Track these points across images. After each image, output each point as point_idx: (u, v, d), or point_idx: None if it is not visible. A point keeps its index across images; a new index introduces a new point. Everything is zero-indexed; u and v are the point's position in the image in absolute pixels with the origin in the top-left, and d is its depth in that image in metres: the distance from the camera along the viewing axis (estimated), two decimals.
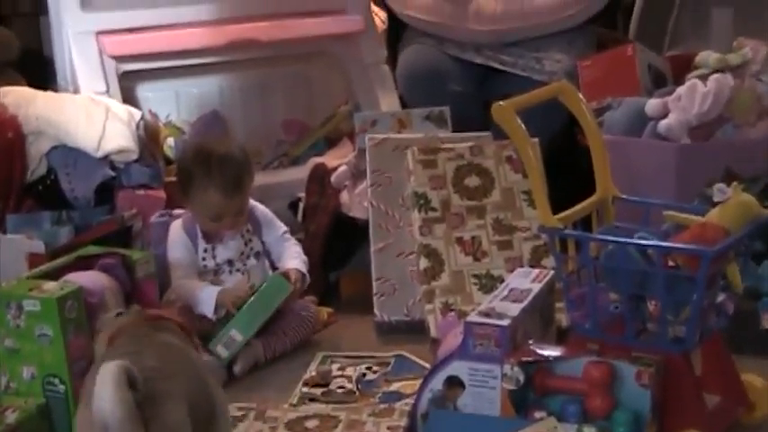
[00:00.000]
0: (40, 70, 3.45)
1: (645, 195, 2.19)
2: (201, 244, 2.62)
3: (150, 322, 1.89)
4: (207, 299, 2.53)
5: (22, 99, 2.85)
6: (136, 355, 1.68)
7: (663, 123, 2.74)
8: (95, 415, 1.56)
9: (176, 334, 1.88)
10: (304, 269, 2.65)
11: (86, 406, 1.62)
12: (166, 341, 1.82)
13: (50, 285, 2.21)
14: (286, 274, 2.58)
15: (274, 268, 2.65)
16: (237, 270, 2.62)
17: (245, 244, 2.64)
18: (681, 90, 2.75)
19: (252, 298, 2.51)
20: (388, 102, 3.41)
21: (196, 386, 1.74)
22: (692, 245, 1.90)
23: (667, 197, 2.40)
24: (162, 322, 1.90)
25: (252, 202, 2.67)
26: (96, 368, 1.65)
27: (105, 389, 1.55)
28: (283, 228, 2.72)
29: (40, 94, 2.92)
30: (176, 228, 2.65)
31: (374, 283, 2.75)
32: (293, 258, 2.66)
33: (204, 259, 2.62)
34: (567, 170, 2.86)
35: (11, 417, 2.14)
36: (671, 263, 1.92)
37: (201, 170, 2.55)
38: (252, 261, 2.63)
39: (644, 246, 1.94)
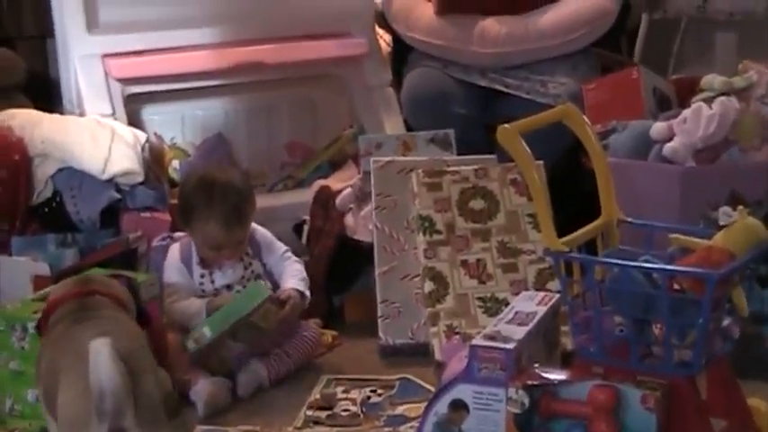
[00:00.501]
0: (46, 93, 3.46)
1: (650, 218, 2.18)
2: (197, 269, 2.62)
3: (88, 297, 2.01)
4: (197, 312, 2.53)
5: (28, 122, 2.86)
6: (111, 335, 1.79)
7: (668, 146, 2.74)
8: (93, 385, 1.70)
9: (115, 309, 2.04)
10: (303, 287, 2.63)
11: (74, 380, 1.76)
12: (120, 319, 2.00)
13: None
14: (279, 294, 2.57)
15: (276, 289, 2.65)
16: (237, 293, 2.61)
17: (245, 268, 2.63)
18: (686, 113, 2.75)
19: (232, 299, 2.53)
20: (393, 124, 3.42)
21: (152, 362, 1.92)
22: (698, 268, 1.89)
23: (672, 220, 2.39)
24: (98, 297, 2.03)
25: (252, 225, 2.67)
26: (54, 344, 1.89)
27: (103, 361, 1.70)
28: (283, 248, 2.71)
29: (46, 116, 2.93)
30: (173, 252, 2.65)
31: (379, 306, 2.74)
32: (292, 277, 2.65)
33: (202, 284, 2.61)
34: (572, 193, 2.87)
35: None
36: (676, 286, 1.91)
37: (203, 201, 2.55)
38: (251, 284, 2.63)
39: (649, 269, 1.93)
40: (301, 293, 2.62)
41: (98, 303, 2.02)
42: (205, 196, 2.56)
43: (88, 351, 1.73)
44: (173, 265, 2.63)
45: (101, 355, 1.71)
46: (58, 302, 2.02)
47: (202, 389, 2.41)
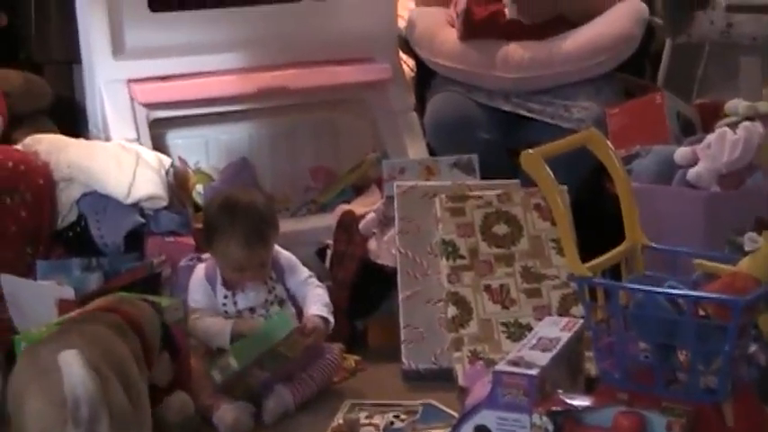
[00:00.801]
0: (71, 118, 3.48)
1: (674, 244, 2.18)
2: (221, 290, 2.62)
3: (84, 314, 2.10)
4: (222, 331, 2.54)
5: (54, 146, 2.88)
6: (77, 347, 1.85)
7: (692, 171, 2.73)
8: (68, 394, 1.75)
9: (110, 326, 2.08)
10: (326, 313, 2.63)
11: (41, 392, 1.81)
12: (94, 333, 2.02)
13: None
14: (304, 323, 2.58)
15: (300, 314, 2.65)
16: (261, 317, 2.61)
17: (269, 291, 2.64)
18: (710, 138, 2.74)
19: (257, 328, 2.53)
20: (416, 149, 3.42)
21: (124, 376, 1.95)
22: (723, 294, 1.88)
23: (697, 246, 2.38)
24: (97, 314, 2.10)
25: (276, 248, 2.67)
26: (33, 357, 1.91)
27: (74, 369, 1.75)
28: (307, 272, 2.72)
29: (71, 141, 2.95)
30: (198, 272, 2.66)
31: (402, 331, 2.74)
32: (314, 303, 2.65)
33: (225, 305, 2.62)
34: (596, 218, 2.86)
35: None
36: (701, 312, 1.91)
37: (225, 222, 2.57)
38: (275, 308, 2.63)
39: (674, 295, 1.92)
40: (325, 319, 2.62)
41: (79, 324, 2.09)
42: (228, 217, 2.57)
43: (49, 365, 1.80)
44: (197, 283, 2.64)
45: (72, 365, 1.76)
46: None
47: (225, 414, 2.41)
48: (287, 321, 2.53)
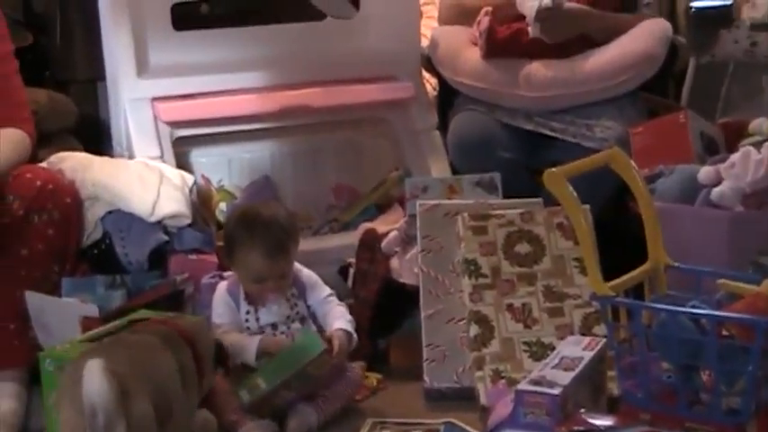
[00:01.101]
0: (96, 135, 3.51)
1: (697, 264, 2.17)
2: (244, 305, 2.63)
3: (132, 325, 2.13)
4: (249, 347, 2.54)
5: (79, 164, 2.90)
6: (108, 357, 1.91)
7: (716, 191, 2.72)
8: (85, 401, 1.79)
9: (160, 336, 2.12)
10: (350, 328, 2.64)
11: (71, 402, 1.84)
12: (137, 343, 2.07)
13: None
14: (329, 337, 2.57)
15: (321, 331, 2.65)
16: (282, 333, 2.62)
17: (291, 308, 2.64)
18: (734, 157, 2.74)
19: (284, 347, 2.52)
20: (439, 168, 3.42)
21: (157, 387, 1.98)
22: (747, 315, 1.88)
23: (720, 266, 2.37)
24: (149, 325, 2.15)
25: (297, 265, 2.68)
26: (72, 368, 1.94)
27: (94, 378, 1.80)
28: (328, 290, 2.72)
29: (96, 159, 2.97)
30: (221, 288, 2.67)
31: (424, 350, 2.74)
32: (338, 319, 2.65)
33: (247, 321, 2.62)
34: (619, 238, 2.85)
35: None
36: (725, 332, 1.90)
37: (245, 232, 2.58)
38: (297, 325, 2.63)
39: (697, 315, 1.92)
40: (349, 334, 2.62)
41: (129, 335, 2.14)
42: (248, 228, 2.58)
43: (81, 375, 1.83)
44: (220, 299, 2.65)
45: (92, 373, 1.80)
46: None
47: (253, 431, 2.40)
48: (316, 341, 2.53)
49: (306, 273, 2.71)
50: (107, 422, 1.78)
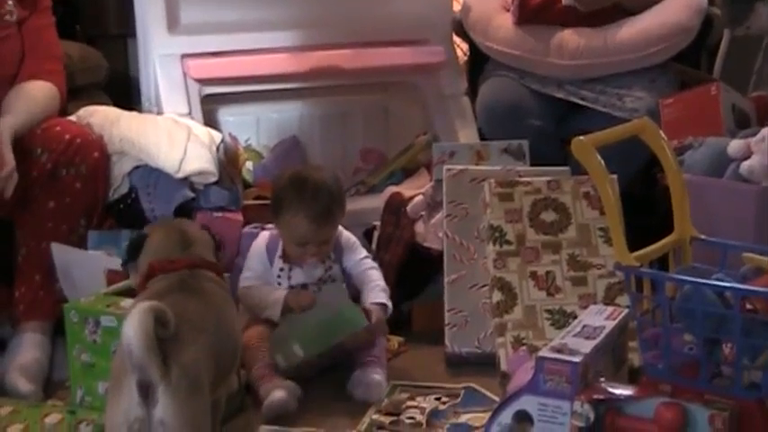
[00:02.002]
0: (125, 91, 3.52)
1: (724, 237, 2.15)
2: (278, 263, 2.64)
3: (192, 268, 2.13)
4: (274, 303, 2.57)
5: (107, 119, 2.91)
6: (179, 304, 1.95)
7: (745, 165, 2.70)
8: (122, 339, 1.81)
9: (218, 284, 2.15)
10: (385, 299, 2.65)
11: (120, 344, 1.86)
12: (208, 294, 2.08)
13: (127, 302, 2.25)
14: (367, 312, 2.58)
15: (354, 293, 2.66)
16: (313, 293, 2.63)
17: (325, 271, 2.65)
18: (765, 132, 2.71)
19: (323, 319, 2.52)
20: (467, 134, 3.42)
21: (224, 342, 2.02)
22: None
23: (747, 240, 2.36)
24: (203, 271, 2.13)
25: (343, 233, 2.69)
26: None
27: (131, 320, 1.80)
28: (364, 252, 2.74)
29: (124, 114, 2.98)
30: (260, 240, 2.69)
31: (446, 315, 2.74)
32: (373, 290, 2.66)
33: (279, 277, 2.64)
34: (646, 209, 2.84)
35: (85, 430, 2.18)
36: (749, 306, 1.89)
37: (294, 195, 2.59)
38: (327, 286, 2.64)
39: (721, 288, 1.91)
40: (385, 307, 2.63)
41: (202, 275, 2.14)
42: (298, 191, 2.59)
43: None
44: (257, 251, 2.68)
45: (133, 314, 1.81)
46: (158, 270, 2.14)
47: (273, 392, 2.41)
48: (358, 318, 2.54)
49: (345, 235, 2.72)
50: (139, 362, 1.80)
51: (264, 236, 2.70)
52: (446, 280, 2.78)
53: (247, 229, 2.81)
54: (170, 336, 1.85)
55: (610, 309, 2.19)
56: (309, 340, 2.48)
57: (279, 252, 2.65)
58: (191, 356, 1.89)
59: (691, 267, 2.07)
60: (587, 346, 1.98)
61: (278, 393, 2.40)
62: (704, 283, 1.92)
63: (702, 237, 2.13)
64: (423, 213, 2.98)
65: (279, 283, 2.63)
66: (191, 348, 1.89)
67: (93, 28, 3.72)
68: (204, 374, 1.91)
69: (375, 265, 2.73)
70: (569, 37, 3.27)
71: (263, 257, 2.66)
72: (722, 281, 1.94)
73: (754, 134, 2.75)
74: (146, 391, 1.83)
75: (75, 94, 3.14)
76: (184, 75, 3.21)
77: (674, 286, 1.99)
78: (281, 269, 2.64)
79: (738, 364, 1.90)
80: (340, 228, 2.69)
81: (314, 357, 2.50)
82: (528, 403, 1.95)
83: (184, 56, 3.22)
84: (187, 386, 1.86)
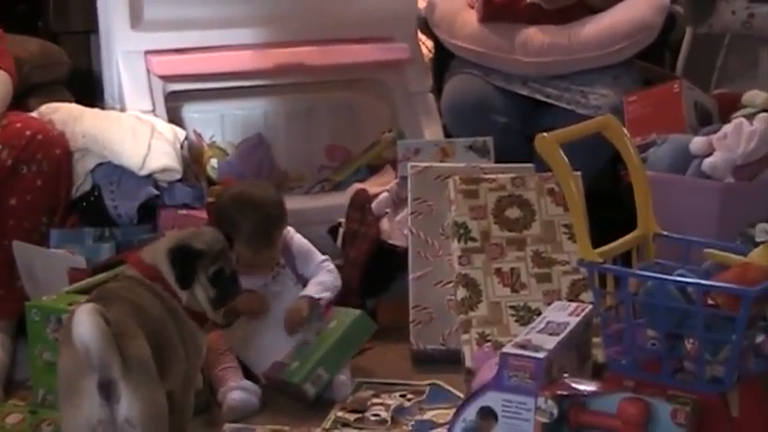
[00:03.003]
0: (88, 87, 3.49)
1: (687, 233, 2.17)
2: None
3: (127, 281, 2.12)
4: None
5: (70, 116, 2.89)
6: (107, 303, 1.94)
7: (707, 162, 2.72)
8: (77, 342, 1.81)
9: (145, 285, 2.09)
10: (316, 293, 2.63)
11: (66, 345, 1.88)
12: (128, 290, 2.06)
13: None
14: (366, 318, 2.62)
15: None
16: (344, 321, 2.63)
17: (273, 278, 2.64)
18: (727, 128, 2.73)
19: (338, 336, 2.55)
20: (432, 131, 3.42)
21: (153, 330, 1.98)
22: (733, 284, 1.88)
23: (710, 236, 2.37)
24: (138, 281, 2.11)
25: (290, 232, 2.67)
26: (68, 318, 1.93)
27: (83, 318, 1.81)
28: (321, 257, 2.72)
29: (86, 111, 2.96)
30: None
31: (411, 311, 2.75)
32: (310, 285, 2.66)
33: None
34: (610, 206, 2.85)
35: (47, 430, 2.16)
36: (711, 302, 1.90)
37: (234, 220, 2.57)
38: (274, 288, 2.64)
39: (684, 283, 1.92)
40: (310, 299, 2.62)
41: (116, 284, 2.13)
42: (237, 213, 2.57)
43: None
44: None
45: (82, 316, 1.81)
46: None
47: (229, 394, 2.40)
48: (368, 324, 2.59)
49: (297, 244, 2.70)
50: (100, 360, 1.80)
51: None
52: (411, 277, 2.78)
53: None
54: (113, 331, 1.85)
55: (574, 305, 2.20)
56: (332, 362, 2.49)
57: None
58: (141, 349, 1.90)
59: (654, 263, 2.08)
60: (551, 342, 1.98)
61: (236, 394, 2.39)
62: (667, 279, 1.93)
63: (665, 233, 2.14)
64: (388, 210, 2.98)
65: None
66: (137, 341, 1.90)
67: (55, 23, 3.68)
68: (151, 362, 1.92)
69: (332, 267, 2.72)
70: (534, 34, 3.28)
71: None
72: (685, 277, 1.95)
73: (717, 131, 2.77)
74: (107, 391, 1.82)
75: (37, 90, 3.11)
76: (148, 71, 3.18)
77: (637, 282, 2.00)
78: None
79: (701, 359, 1.91)
80: (291, 232, 2.67)
81: (336, 371, 2.50)
82: (492, 399, 1.95)
83: (148, 52, 3.19)
84: (146, 379, 1.87)
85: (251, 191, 2.64)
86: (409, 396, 2.48)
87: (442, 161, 3.00)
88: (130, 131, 2.87)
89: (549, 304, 2.43)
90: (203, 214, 2.86)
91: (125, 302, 2.01)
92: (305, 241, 2.73)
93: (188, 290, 2.12)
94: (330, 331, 2.57)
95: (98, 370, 1.80)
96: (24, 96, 3.03)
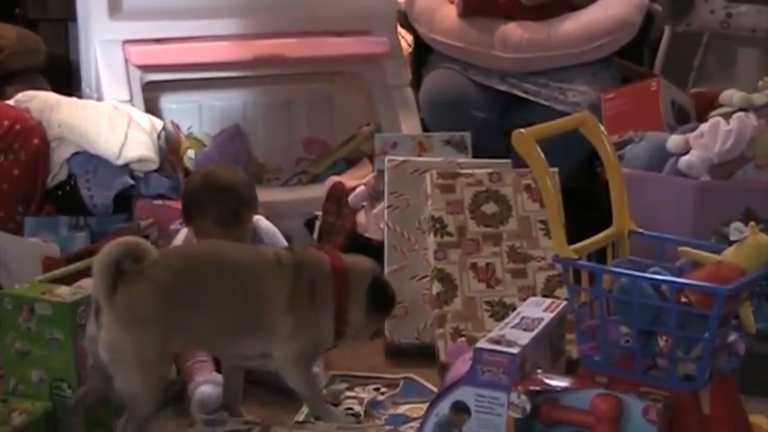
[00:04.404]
0: (65, 76, 3.48)
1: (662, 231, 2.17)
2: None
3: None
4: None
5: (46, 104, 2.88)
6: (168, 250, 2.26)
7: (683, 160, 2.73)
8: None
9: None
10: None
11: None
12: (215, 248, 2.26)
13: (63, 290, 2.22)
14: None
15: None
16: None
17: None
18: (703, 127, 2.74)
19: None
20: (410, 125, 3.42)
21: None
22: (707, 282, 1.89)
23: (685, 234, 2.37)
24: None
25: (258, 219, 2.66)
26: None
27: (109, 245, 2.03)
28: (284, 243, 2.71)
29: (63, 100, 2.94)
30: (178, 240, 2.65)
31: None
32: None
33: None
34: (587, 202, 2.86)
35: (18, 419, 2.15)
36: (684, 299, 1.91)
37: (203, 200, 2.54)
38: None
39: (658, 281, 1.93)
40: None
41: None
42: (203, 198, 2.54)
43: None
44: None
45: (114, 242, 2.03)
46: None
47: (199, 388, 2.39)
48: None
49: (264, 228, 2.68)
50: (94, 284, 2.02)
51: (182, 235, 2.65)
52: (387, 270, 2.77)
53: (174, 225, 2.76)
54: (135, 270, 2.03)
55: (548, 301, 2.20)
56: None
57: None
58: (140, 290, 2.03)
59: (628, 260, 2.09)
60: (525, 338, 1.99)
61: (204, 388, 2.37)
62: (641, 276, 1.94)
63: (640, 230, 2.15)
64: (364, 204, 2.98)
65: None
66: (146, 285, 2.04)
67: (33, 11, 3.67)
68: (152, 312, 2.04)
69: None
70: (513, 30, 3.29)
71: None
72: (659, 274, 1.96)
73: (693, 130, 2.78)
74: (97, 313, 2.03)
75: (13, 77, 3.10)
76: (126, 61, 3.17)
77: (611, 279, 2.00)
78: None
79: (673, 356, 1.92)
80: (259, 219, 2.66)
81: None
82: (465, 394, 1.95)
83: (126, 42, 3.19)
84: (128, 317, 2.02)
85: (219, 172, 2.63)
86: (383, 390, 2.47)
87: (419, 155, 3.00)
88: (107, 121, 2.86)
89: (523, 300, 2.44)
90: (178, 205, 2.84)
91: (207, 255, 2.19)
92: (271, 227, 2.72)
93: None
94: None
95: (93, 292, 2.03)
96: (0, 83, 3.02)
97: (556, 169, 2.39)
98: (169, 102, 3.42)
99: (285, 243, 2.69)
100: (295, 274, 2.21)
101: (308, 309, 2.21)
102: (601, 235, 2.12)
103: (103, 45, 3.17)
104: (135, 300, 2.03)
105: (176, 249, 2.39)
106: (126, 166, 2.83)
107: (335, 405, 2.38)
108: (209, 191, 2.54)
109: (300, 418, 2.33)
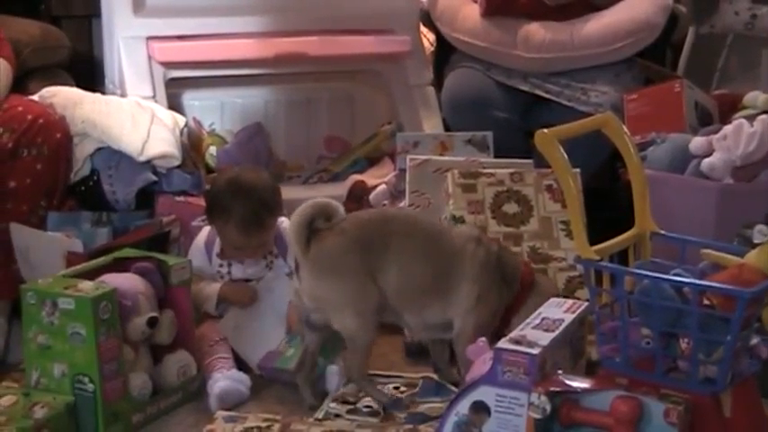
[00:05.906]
0: (89, 72, 3.49)
1: (684, 233, 2.17)
2: (216, 260, 2.63)
3: None
4: (210, 296, 2.56)
5: (69, 101, 2.89)
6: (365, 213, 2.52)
7: (706, 162, 2.72)
8: None
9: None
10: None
11: None
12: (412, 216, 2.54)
13: (86, 285, 2.24)
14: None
15: None
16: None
17: (267, 266, 2.63)
18: (727, 129, 2.73)
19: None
20: (432, 124, 3.41)
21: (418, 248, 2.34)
22: (729, 285, 1.88)
23: (707, 236, 2.37)
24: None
25: (284, 222, 2.66)
26: None
27: (302, 205, 2.31)
28: None
29: (87, 95, 2.95)
30: (200, 238, 2.67)
31: None
32: None
33: (220, 273, 2.63)
34: (608, 203, 2.85)
35: (39, 413, 2.16)
36: (706, 302, 1.90)
37: (226, 203, 2.55)
38: (268, 275, 2.63)
39: (679, 283, 1.92)
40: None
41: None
42: (227, 201, 2.55)
43: None
44: (196, 248, 2.66)
45: (310, 202, 2.34)
46: None
47: (218, 383, 2.40)
48: None
49: None
50: (290, 242, 2.40)
51: (203, 234, 2.66)
52: None
53: (196, 222, 2.76)
54: (327, 227, 2.29)
55: (569, 301, 2.20)
56: (328, 348, 2.47)
57: (216, 249, 2.63)
58: (331, 243, 2.28)
59: (650, 262, 2.09)
60: (546, 339, 1.99)
61: (222, 384, 2.38)
62: (662, 278, 1.93)
63: (662, 232, 2.15)
64: (385, 202, 2.98)
65: (221, 278, 2.62)
66: (337, 238, 2.28)
67: (57, 7, 3.68)
68: (350, 263, 2.27)
69: None
70: (536, 30, 3.28)
71: (202, 254, 2.63)
72: (680, 276, 1.95)
73: (716, 131, 2.77)
74: (297, 269, 2.31)
75: (37, 73, 3.11)
76: (149, 57, 3.18)
77: (632, 280, 2.00)
78: (221, 265, 2.62)
79: (694, 359, 1.91)
80: (285, 221, 2.66)
81: (331, 358, 2.49)
82: (485, 394, 1.95)
83: (150, 38, 3.19)
84: (322, 267, 2.28)
85: (245, 175, 2.63)
86: (402, 388, 2.48)
87: (440, 154, 3.00)
88: (130, 117, 2.87)
89: None
90: (201, 201, 2.85)
91: (399, 214, 2.50)
92: None
93: None
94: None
95: (291, 249, 2.37)
96: (24, 79, 3.03)
97: (578, 170, 2.39)
98: (191, 99, 3.43)
99: None
100: (491, 253, 2.36)
101: (494, 284, 2.34)
102: (623, 236, 2.12)
103: (127, 41, 3.18)
104: (326, 251, 2.28)
105: (366, 210, 2.71)
106: (148, 162, 2.83)
107: (354, 403, 2.38)
108: (234, 194, 2.55)
109: (320, 416, 2.33)
